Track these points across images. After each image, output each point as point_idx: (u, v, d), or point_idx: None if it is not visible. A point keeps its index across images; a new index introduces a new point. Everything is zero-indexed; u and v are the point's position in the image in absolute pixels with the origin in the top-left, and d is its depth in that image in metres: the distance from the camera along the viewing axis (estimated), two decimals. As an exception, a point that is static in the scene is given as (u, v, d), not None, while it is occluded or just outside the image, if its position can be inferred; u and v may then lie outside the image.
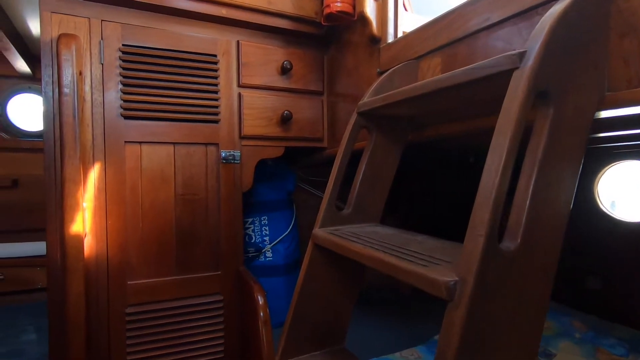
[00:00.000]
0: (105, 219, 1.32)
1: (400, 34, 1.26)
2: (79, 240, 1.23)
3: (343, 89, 1.56)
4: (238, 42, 1.50)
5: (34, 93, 1.92)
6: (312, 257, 0.95)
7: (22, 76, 1.86)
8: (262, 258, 1.88)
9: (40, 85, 1.91)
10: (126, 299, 1.34)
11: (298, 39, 1.62)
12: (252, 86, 1.53)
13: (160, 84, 1.38)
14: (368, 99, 0.99)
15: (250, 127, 1.52)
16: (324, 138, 1.68)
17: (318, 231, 0.95)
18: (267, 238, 1.89)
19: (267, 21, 1.51)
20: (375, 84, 1.03)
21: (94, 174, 1.30)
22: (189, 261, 1.44)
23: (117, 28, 1.32)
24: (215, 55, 1.46)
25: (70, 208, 1.21)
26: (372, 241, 0.81)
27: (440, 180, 2.44)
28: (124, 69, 1.33)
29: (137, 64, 1.35)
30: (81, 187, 1.24)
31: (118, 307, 1.33)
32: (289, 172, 2.01)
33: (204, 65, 1.44)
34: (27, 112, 1.93)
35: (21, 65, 1.77)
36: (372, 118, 1.01)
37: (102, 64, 1.30)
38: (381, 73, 1.25)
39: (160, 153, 1.39)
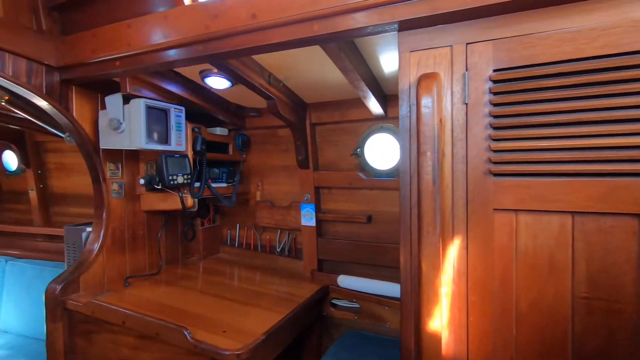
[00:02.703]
0: (467, 313, 0.97)
1: None
2: (436, 340, 0.94)
3: None
4: None
5: (385, 132, 1.91)
6: None
7: (376, 117, 1.91)
8: None
9: (391, 123, 1.86)
10: None
11: None
12: None
13: (550, 119, 0.87)
14: None
15: None
16: None
17: None
18: None
19: None
20: None
21: (453, 251, 0.98)
22: (597, 410, 0.85)
23: (487, 49, 0.93)
24: (666, 50, 0.77)
25: (428, 299, 0.95)
26: None
27: None
28: (494, 105, 0.92)
29: (513, 95, 0.91)
30: (440, 273, 0.95)
31: None
32: None
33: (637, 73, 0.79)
34: (379, 151, 1.97)
35: (374, 106, 1.80)
36: None
37: (466, 104, 0.95)
38: None
39: (547, 227, 0.89)
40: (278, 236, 2.37)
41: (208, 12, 1.23)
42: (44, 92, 1.56)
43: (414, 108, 1.00)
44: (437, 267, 0.94)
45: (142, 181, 1.86)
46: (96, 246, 1.81)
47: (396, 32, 1.04)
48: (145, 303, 1.66)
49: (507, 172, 0.92)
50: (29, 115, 1.79)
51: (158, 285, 1.95)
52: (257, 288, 1.94)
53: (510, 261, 0.93)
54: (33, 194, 3.02)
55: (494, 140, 0.93)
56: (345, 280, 1.98)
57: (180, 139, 1.84)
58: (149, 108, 1.66)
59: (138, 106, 1.63)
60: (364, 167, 2.04)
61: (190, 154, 1.95)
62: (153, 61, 1.37)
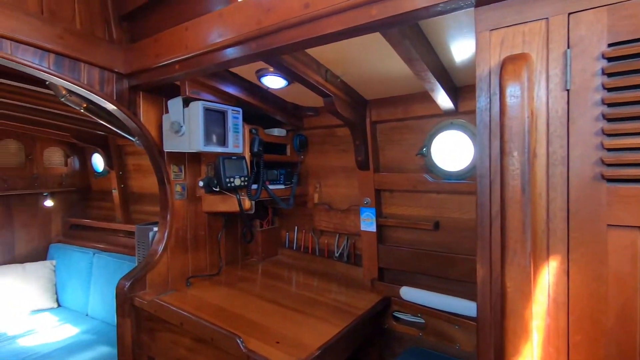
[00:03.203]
0: (567, 354, 0.77)
1: None
2: (525, 386, 0.76)
3: None
4: None
5: (455, 129, 1.70)
6: None
7: (445, 113, 1.71)
8: None
9: (463, 118, 1.65)
10: None
11: None
12: None
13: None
14: None
15: None
16: None
17: None
18: None
19: None
20: None
21: (548, 276, 0.78)
22: None
23: (600, 17, 0.72)
24: None
25: (514, 333, 0.77)
26: None
27: None
28: (609, 90, 0.71)
29: (638, 76, 0.69)
30: (530, 302, 0.76)
31: None
32: None
33: None
34: (448, 150, 1.76)
35: (443, 100, 1.61)
36: None
37: (568, 91, 0.75)
38: None
39: (692, 252, 0.66)
40: (336, 240, 2.27)
41: (261, 6, 1.17)
42: (115, 98, 1.64)
43: (495, 98, 0.82)
44: (526, 296, 0.75)
45: (201, 183, 1.89)
46: (161, 246, 1.88)
47: (472, 7, 0.87)
48: (204, 305, 1.67)
49: (627, 177, 0.70)
50: (103, 121, 1.92)
51: (218, 286, 1.97)
52: (314, 295, 1.85)
53: (634, 293, 0.71)
54: (116, 193, 3.31)
55: (609, 135, 0.72)
56: (409, 293, 1.81)
57: (237, 141, 1.83)
58: (207, 110, 1.66)
59: (196, 109, 1.64)
60: (430, 168, 1.84)
61: (247, 155, 1.93)
62: (209, 62, 1.35)
